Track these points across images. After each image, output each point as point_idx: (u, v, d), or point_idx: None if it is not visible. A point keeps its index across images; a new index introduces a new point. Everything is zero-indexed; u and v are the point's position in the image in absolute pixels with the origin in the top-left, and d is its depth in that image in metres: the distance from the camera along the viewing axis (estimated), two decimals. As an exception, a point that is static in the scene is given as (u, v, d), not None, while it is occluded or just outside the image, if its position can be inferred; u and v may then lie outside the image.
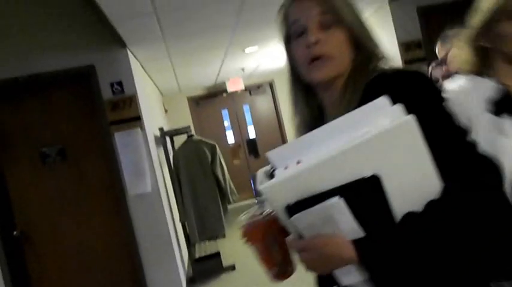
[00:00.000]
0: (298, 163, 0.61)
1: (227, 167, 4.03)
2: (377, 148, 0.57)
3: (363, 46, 0.81)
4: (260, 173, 0.81)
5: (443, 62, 2.22)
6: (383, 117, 0.59)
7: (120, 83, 3.02)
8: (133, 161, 3.01)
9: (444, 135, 0.65)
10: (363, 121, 0.60)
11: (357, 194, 0.58)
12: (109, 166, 3.02)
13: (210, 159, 3.74)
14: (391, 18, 3.54)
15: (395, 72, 0.75)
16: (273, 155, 0.66)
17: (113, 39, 2.85)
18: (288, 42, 0.86)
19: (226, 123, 6.95)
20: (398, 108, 0.61)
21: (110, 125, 2.99)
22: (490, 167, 0.65)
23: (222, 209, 3.77)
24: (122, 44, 2.94)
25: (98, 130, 3.02)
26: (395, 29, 3.54)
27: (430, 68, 2.74)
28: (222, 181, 3.77)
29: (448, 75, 2.45)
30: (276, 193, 0.62)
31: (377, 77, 0.75)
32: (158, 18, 2.56)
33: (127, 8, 2.30)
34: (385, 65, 0.80)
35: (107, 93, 3.01)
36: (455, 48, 2.11)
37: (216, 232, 3.77)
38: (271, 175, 0.71)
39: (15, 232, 2.92)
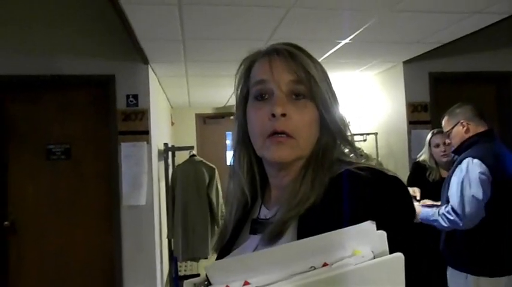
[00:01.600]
0: (244, 284, 0.50)
1: (223, 188, 4.08)
2: (351, 281, 0.49)
3: (331, 127, 0.69)
4: (188, 285, 0.69)
5: (447, 136, 2.33)
6: (362, 245, 0.51)
7: (135, 96, 3.13)
8: (134, 172, 3.09)
9: (415, 260, 0.57)
10: (335, 246, 0.51)
11: None
12: (110, 173, 3.09)
13: (207, 181, 3.80)
14: (403, 79, 3.68)
15: (372, 174, 0.61)
16: (213, 269, 0.52)
17: (136, 54, 2.97)
18: (245, 100, 0.73)
19: (228, 142, 7.04)
20: (382, 236, 0.51)
21: (118, 134, 3.08)
22: None
23: (209, 232, 3.80)
24: (145, 60, 3.06)
25: (106, 137, 3.11)
26: (405, 89, 3.67)
27: (430, 134, 2.86)
28: (215, 205, 3.82)
29: (449, 144, 2.58)
30: None
31: (348, 175, 0.62)
32: (184, 45, 2.68)
33: (158, 33, 2.43)
34: (349, 150, 0.71)
35: (121, 104, 3.11)
36: (460, 126, 2.23)
37: (199, 254, 3.78)
38: None
39: (6, 222, 2.96)
